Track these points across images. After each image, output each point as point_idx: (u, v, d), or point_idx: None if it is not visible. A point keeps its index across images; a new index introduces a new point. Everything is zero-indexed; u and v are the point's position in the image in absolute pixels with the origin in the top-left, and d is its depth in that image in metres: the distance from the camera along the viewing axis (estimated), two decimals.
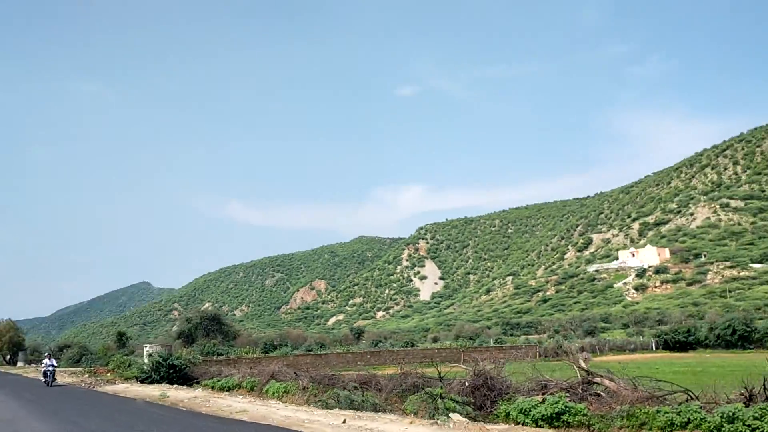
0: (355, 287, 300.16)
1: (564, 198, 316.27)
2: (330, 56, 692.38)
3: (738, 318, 45.85)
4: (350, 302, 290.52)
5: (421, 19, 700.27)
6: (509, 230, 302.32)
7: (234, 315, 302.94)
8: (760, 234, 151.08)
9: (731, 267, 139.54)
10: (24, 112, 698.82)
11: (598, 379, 13.93)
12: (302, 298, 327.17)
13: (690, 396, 12.14)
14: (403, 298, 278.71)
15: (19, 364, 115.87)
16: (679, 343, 45.63)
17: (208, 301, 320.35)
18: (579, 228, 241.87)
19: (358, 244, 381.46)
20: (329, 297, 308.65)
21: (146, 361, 31.21)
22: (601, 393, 13.23)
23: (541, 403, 13.09)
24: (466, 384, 15.05)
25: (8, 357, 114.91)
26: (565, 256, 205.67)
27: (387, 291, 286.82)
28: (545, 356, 41.52)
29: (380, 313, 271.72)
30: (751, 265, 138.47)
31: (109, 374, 36.19)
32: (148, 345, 37.09)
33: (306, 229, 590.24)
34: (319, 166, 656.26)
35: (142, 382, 28.82)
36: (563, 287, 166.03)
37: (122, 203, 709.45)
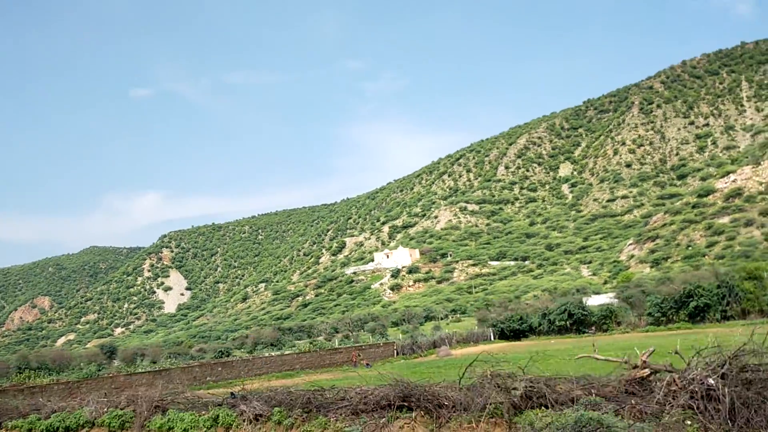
0: (88, 302, 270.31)
1: (312, 204, 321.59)
2: (57, 50, 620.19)
3: (572, 302, 47.91)
4: (82, 319, 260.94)
5: (159, 21, 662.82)
6: (259, 236, 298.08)
7: None
8: (494, 234, 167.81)
9: (474, 265, 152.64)
10: None
11: None
12: (21, 317, 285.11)
13: None
14: (145, 312, 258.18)
15: None
16: (514, 331, 46.39)
17: None
18: (330, 233, 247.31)
19: (88, 255, 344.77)
20: (56, 315, 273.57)
21: None
22: None
23: None
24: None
25: None
26: (320, 260, 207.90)
27: (126, 305, 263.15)
28: (403, 354, 38.81)
29: (119, 330, 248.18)
30: (489, 262, 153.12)
31: None
32: None
33: (25, 241, 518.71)
34: (36, 170, 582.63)
35: None
36: (322, 291, 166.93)
37: None
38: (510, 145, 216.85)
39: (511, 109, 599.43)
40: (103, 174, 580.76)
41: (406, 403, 10.19)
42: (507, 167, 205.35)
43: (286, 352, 39.23)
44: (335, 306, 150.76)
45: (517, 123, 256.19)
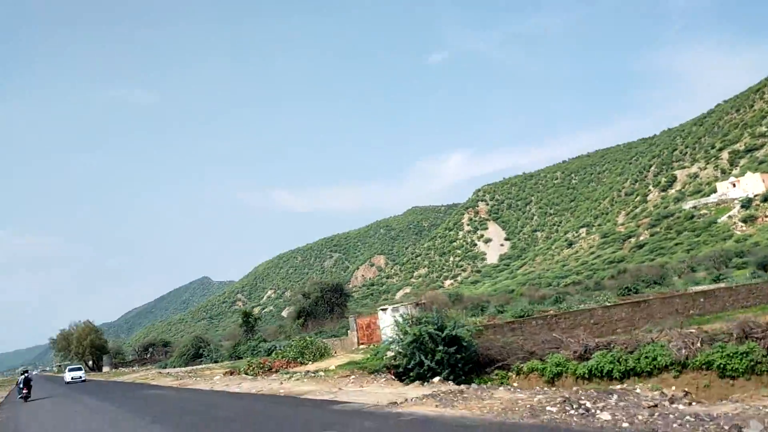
0: (418, 258, 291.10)
1: (627, 140, 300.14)
2: (357, 32, 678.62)
3: None
4: (415, 274, 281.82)
5: None
6: (573, 181, 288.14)
7: (298, 300, 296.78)
8: None
9: None
10: (62, 121, 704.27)
11: None
12: (363, 275, 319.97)
13: None
14: (469, 264, 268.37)
15: (105, 369, 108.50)
16: None
17: (270, 289, 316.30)
18: (653, 168, 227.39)
19: (412, 215, 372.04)
20: (392, 271, 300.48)
21: (395, 334, 17.97)
22: None
23: None
24: None
25: (91, 362, 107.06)
26: (648, 198, 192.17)
27: (452, 258, 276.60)
28: None
29: (448, 282, 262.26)
30: None
31: (296, 366, 26.48)
32: (389, 307, 23.94)
33: (356, 209, 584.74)
34: (357, 145, 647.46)
35: (399, 377, 17.14)
36: (658, 230, 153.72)
37: (173, 204, 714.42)
38: None
39: None
40: (413, 140, 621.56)
41: None
42: None
43: None
44: (676, 245, 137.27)
45: None
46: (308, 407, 14.94)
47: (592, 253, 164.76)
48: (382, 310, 22.21)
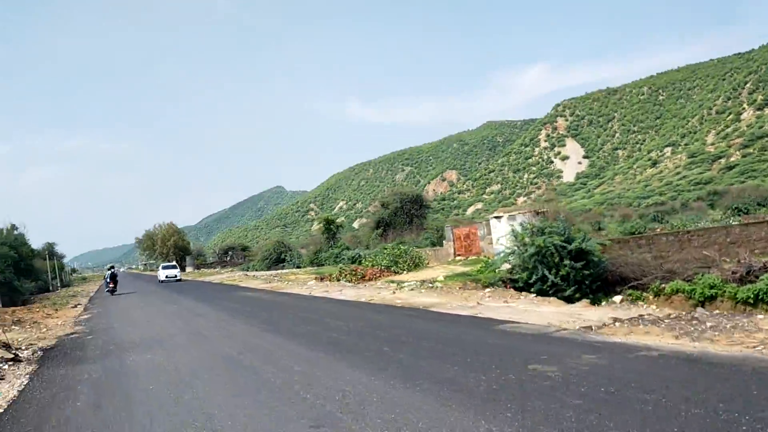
0: (491, 174, 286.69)
1: (722, 55, 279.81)
2: None
3: None
4: (487, 190, 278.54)
5: None
6: (660, 97, 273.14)
7: (369, 212, 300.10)
8: None
9: None
10: (147, 30, 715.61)
11: None
12: (434, 189, 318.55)
13: None
14: (544, 181, 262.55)
15: (188, 269, 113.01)
16: None
17: (342, 200, 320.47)
18: (749, 85, 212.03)
19: (486, 130, 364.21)
20: (464, 186, 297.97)
21: (513, 245, 16.55)
22: None
23: None
24: None
25: (174, 262, 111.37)
26: (741, 117, 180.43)
27: (526, 175, 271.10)
28: None
29: (521, 199, 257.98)
30: None
31: (389, 275, 25.92)
32: (504, 215, 21.54)
33: (429, 122, 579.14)
34: (433, 57, 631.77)
35: (520, 290, 15.81)
36: (751, 151, 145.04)
37: (250, 114, 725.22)
38: None
39: None
40: (490, 52, 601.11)
41: None
42: None
43: None
44: None
45: None
46: (464, 326, 12.45)
47: (678, 173, 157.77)
48: (496, 218, 20.60)
